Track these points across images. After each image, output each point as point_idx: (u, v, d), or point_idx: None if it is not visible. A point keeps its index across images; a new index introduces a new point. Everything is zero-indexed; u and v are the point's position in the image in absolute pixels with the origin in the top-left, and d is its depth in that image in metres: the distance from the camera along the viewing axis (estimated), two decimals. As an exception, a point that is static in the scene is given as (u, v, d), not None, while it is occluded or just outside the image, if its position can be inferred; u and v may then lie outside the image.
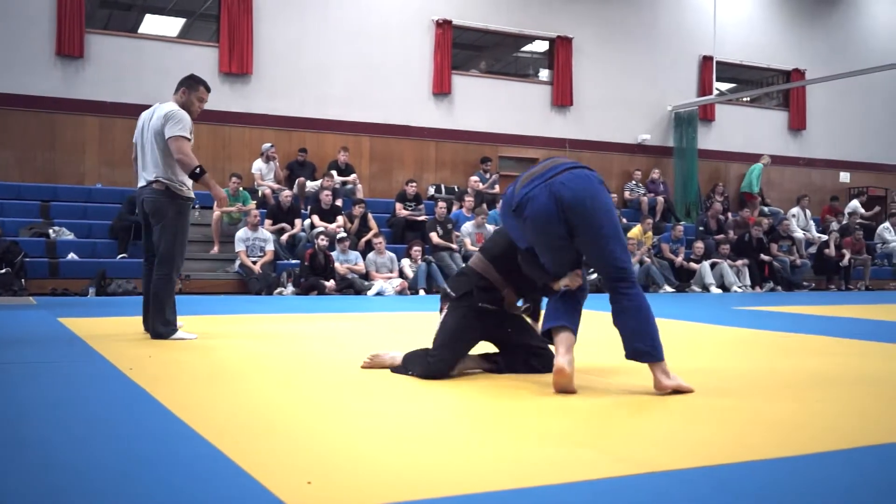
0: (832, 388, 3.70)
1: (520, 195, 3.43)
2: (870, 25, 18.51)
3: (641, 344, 3.34)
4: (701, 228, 14.56)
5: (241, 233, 11.23)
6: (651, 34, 16.28)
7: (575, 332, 3.51)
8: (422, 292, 11.34)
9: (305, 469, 2.17)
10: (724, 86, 17.79)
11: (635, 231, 13.23)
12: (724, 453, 2.42)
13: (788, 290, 13.80)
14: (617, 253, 3.42)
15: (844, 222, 15.98)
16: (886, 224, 16.49)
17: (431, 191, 14.13)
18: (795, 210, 16.02)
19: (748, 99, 17.93)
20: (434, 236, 12.13)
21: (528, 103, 15.33)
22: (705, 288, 13.08)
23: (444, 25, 14.50)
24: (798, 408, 3.18)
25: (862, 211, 16.79)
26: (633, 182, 15.51)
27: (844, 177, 18.31)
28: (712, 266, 13.36)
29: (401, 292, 11.15)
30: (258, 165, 12.91)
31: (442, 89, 14.49)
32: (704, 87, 16.62)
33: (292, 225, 11.95)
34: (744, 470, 2.24)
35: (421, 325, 6.91)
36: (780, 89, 17.66)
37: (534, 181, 3.43)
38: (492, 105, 14.99)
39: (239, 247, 11.11)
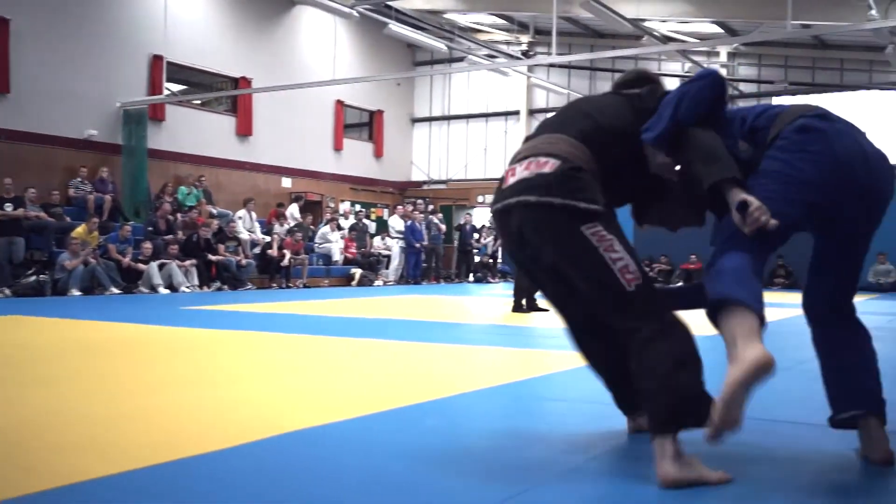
0: (256, 380, 4.04)
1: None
2: (305, 45, 20.20)
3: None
4: (150, 229, 14.44)
5: None
6: (98, 26, 15.66)
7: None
8: None
9: None
10: (176, 87, 17.90)
11: (80, 230, 12.65)
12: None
13: (234, 288, 14.41)
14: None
15: (287, 225, 17.23)
16: (327, 227, 18.14)
17: None
18: (242, 212, 16.78)
19: (199, 102, 18.28)
20: None
21: (-46, 85, 13.67)
22: (153, 289, 13.04)
23: None
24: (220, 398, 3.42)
25: (298, 215, 18.27)
26: (79, 179, 14.76)
27: (286, 182, 19.74)
28: (161, 266, 13.36)
29: None
30: None
31: None
32: (155, 87, 16.55)
33: None
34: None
35: None
36: (227, 95, 18.35)
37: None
38: None
39: None
